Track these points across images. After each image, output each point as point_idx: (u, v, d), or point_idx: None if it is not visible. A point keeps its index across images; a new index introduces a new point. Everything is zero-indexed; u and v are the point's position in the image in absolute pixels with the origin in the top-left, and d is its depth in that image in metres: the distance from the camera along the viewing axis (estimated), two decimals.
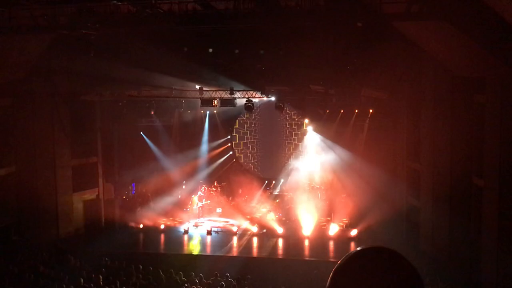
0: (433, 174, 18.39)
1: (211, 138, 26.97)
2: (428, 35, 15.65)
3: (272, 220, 22.86)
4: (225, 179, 26.48)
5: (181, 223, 23.12)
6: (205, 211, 24.32)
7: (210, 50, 17.67)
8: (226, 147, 27.61)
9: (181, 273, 16.35)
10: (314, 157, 25.79)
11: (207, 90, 21.78)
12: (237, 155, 27.57)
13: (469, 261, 16.66)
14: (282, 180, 26.18)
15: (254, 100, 22.01)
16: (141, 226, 22.64)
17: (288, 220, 23.11)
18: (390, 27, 15.22)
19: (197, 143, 26.74)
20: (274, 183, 26.13)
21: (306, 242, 21.00)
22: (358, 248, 1.79)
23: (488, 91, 15.30)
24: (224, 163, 27.43)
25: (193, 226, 22.67)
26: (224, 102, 22.18)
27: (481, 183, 15.94)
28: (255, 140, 27.24)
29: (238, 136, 27.42)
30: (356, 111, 23.30)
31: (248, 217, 23.26)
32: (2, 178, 19.69)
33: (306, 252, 20.32)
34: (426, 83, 18.68)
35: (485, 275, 15.61)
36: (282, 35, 16.42)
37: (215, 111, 25.21)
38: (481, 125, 15.77)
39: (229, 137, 27.42)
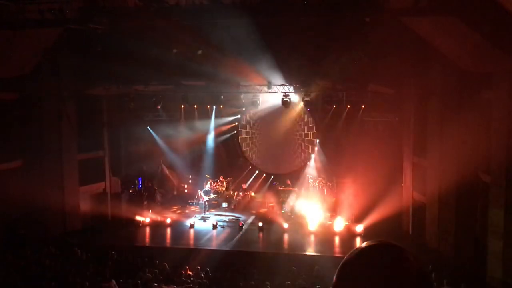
0: (439, 170, 18.35)
1: (217, 133, 26.98)
2: (435, 30, 15.58)
3: (277, 215, 22.88)
4: (231, 173, 26.50)
5: (187, 217, 23.17)
6: (211, 206, 24.38)
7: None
8: (232, 142, 27.59)
9: (187, 267, 16.41)
10: (320, 153, 25.75)
11: (214, 85, 21.77)
12: (243, 150, 27.55)
13: (475, 257, 16.63)
14: (288, 175, 26.15)
15: (259, 94, 22.05)
16: (148, 220, 22.70)
17: (294, 215, 23.12)
18: (398, 22, 15.16)
19: (203, 137, 26.76)
20: (280, 178, 26.12)
21: (312, 237, 21.02)
22: (365, 244, 1.80)
23: (495, 86, 15.23)
24: (231, 157, 27.44)
25: (199, 220, 22.73)
26: (230, 97, 22.19)
27: (488, 179, 15.90)
28: (261, 135, 27.21)
29: (244, 131, 27.41)
30: (363, 106, 23.25)
31: (254, 211, 23.32)
32: (9, 172, 19.78)
33: (312, 247, 20.33)
34: (433, 78, 18.61)
35: (491, 271, 15.59)
36: (288, 29, 16.39)
37: (221, 106, 25.19)
38: (488, 121, 15.71)
39: (235, 132, 27.41)
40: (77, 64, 20.05)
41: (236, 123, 27.27)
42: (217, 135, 27.07)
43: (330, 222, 21.95)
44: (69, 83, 20.89)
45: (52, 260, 16.97)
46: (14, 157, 20.14)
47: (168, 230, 22.01)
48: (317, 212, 22.33)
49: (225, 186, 25.65)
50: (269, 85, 21.26)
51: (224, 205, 24.63)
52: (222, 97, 22.78)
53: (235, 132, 27.46)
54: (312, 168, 25.68)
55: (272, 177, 26.38)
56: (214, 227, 21.85)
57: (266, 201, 24.16)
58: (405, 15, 14.66)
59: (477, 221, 17.05)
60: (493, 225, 15.35)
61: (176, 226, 22.34)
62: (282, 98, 21.72)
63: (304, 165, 26.24)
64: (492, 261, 15.47)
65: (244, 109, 26.29)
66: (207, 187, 24.86)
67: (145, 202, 24.36)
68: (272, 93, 21.99)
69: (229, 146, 27.50)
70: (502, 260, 14.92)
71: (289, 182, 25.39)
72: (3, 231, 19.02)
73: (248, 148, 27.48)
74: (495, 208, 15.23)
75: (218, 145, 27.20)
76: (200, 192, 24.65)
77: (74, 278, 14.80)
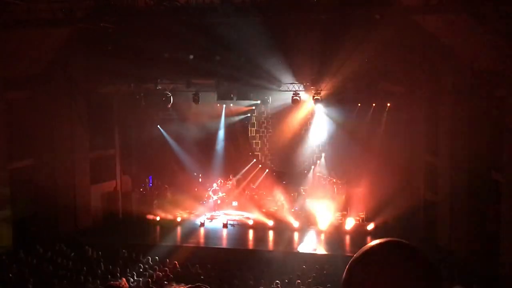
0: (451, 168, 18.23)
1: (227, 131, 26.93)
2: (447, 27, 15.47)
3: (288, 213, 22.84)
4: (241, 172, 26.46)
5: (197, 216, 23.19)
6: (221, 204, 24.38)
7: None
8: (242, 140, 27.53)
9: (197, 265, 16.44)
10: (331, 151, 25.64)
11: (224, 84, 21.76)
12: (253, 148, 27.49)
13: (487, 256, 16.50)
14: (298, 174, 26.07)
15: (270, 92, 22.07)
16: (158, 218, 22.78)
17: (304, 213, 23.05)
18: (409, 20, 15.08)
19: (213, 136, 26.77)
20: (290, 177, 26.05)
21: (322, 236, 20.98)
22: (375, 242, 1.77)
23: (508, 84, 15.09)
24: (241, 156, 27.39)
25: (208, 219, 22.74)
26: (241, 95, 22.19)
27: (499, 177, 15.77)
28: (271, 134, 27.12)
29: (254, 129, 27.34)
30: (374, 104, 23.14)
31: (264, 210, 23.29)
32: (21, 170, 19.92)
33: (322, 246, 20.29)
34: (445, 76, 18.48)
35: (503, 270, 15.46)
36: (298, 27, 16.35)
37: (231, 105, 25.24)
38: (500, 119, 15.58)
39: (245, 130, 27.27)
40: (88, 63, 20.16)
41: (246, 122, 27.22)
42: (227, 134, 27.06)
43: (341, 221, 21.88)
44: (80, 82, 21.01)
45: (63, 258, 17.08)
46: (26, 156, 20.28)
47: (179, 229, 22.06)
48: (327, 210, 22.26)
49: (235, 184, 25.63)
50: (279, 83, 21.24)
51: (234, 203, 24.63)
52: (232, 95, 22.75)
53: (245, 130, 27.42)
54: (322, 166, 25.59)
55: (283, 175, 26.31)
56: (224, 225, 21.89)
57: (276, 200, 24.12)
58: (416, 13, 14.57)
59: (489, 219, 16.92)
60: (506, 224, 15.23)
61: (187, 225, 22.39)
62: (292, 96, 21.69)
63: (314, 163, 26.15)
64: (505, 260, 15.34)
65: (254, 107, 26.26)
66: (217, 185, 24.86)
67: (156, 201, 24.41)
68: (282, 91, 21.98)
69: (239, 144, 27.47)
70: None
71: (299, 180, 25.29)
72: (15, 229, 19.16)
73: (258, 147, 27.43)
74: (507, 207, 15.11)
75: (228, 144, 27.18)
76: (210, 191, 24.67)
77: (85, 276, 14.89)
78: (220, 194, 24.58)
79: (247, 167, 26.86)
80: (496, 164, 16.13)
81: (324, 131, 25.34)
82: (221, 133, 26.92)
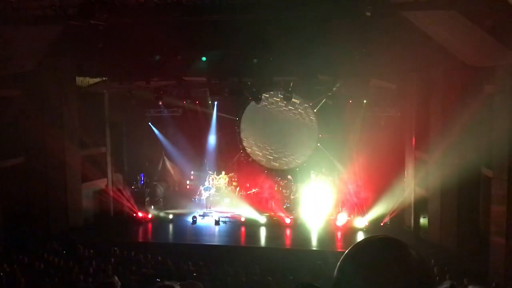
0: (441, 164, 18.32)
1: (219, 129, 26.95)
2: (437, 24, 15.53)
3: (279, 210, 22.87)
4: (233, 169, 26.49)
5: (189, 213, 23.16)
6: (213, 202, 24.36)
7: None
8: (234, 137, 27.52)
9: (189, 262, 16.42)
10: (323, 147, 25.71)
11: (216, 81, 21.73)
12: (245, 145, 27.49)
13: (477, 252, 16.62)
14: (290, 171, 26.12)
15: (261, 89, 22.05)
16: (150, 216, 22.74)
17: (296, 210, 23.10)
18: (400, 16, 15.11)
19: (205, 133, 26.77)
20: (282, 174, 26.08)
21: (314, 232, 21.02)
22: (366, 238, 1.79)
23: (498, 81, 15.19)
24: (232, 153, 27.39)
25: (200, 216, 22.72)
26: (233, 92, 22.19)
27: (490, 174, 15.88)
28: (263, 130, 27.13)
29: (246, 126, 27.32)
30: (365, 101, 23.21)
31: (256, 207, 23.30)
32: (12, 168, 19.80)
33: (314, 242, 20.34)
34: (436, 73, 18.57)
35: (493, 266, 15.58)
36: (289, 24, 16.32)
37: (223, 101, 25.25)
38: (491, 115, 15.68)
39: (237, 127, 27.27)
40: (78, 61, 20.05)
41: (238, 119, 27.21)
42: (219, 131, 27.06)
43: (333, 217, 21.94)
44: (70, 80, 20.90)
45: (55, 256, 17.01)
46: (17, 154, 20.16)
47: (171, 226, 22.05)
48: (319, 207, 22.31)
49: (227, 181, 25.62)
50: (271, 80, 21.24)
51: (227, 200, 24.61)
52: (224, 92, 22.74)
53: (237, 127, 27.41)
54: (314, 163, 25.63)
55: (275, 172, 26.34)
56: (217, 223, 21.89)
57: (267, 197, 24.14)
58: (407, 9, 14.60)
59: (480, 215, 17.04)
60: (496, 220, 15.34)
61: (179, 222, 22.38)
62: (284, 93, 21.69)
63: (306, 160, 26.20)
64: (495, 256, 15.46)
65: (246, 104, 26.25)
66: (208, 183, 24.83)
67: (147, 199, 24.38)
68: (274, 88, 22.01)
69: (231, 141, 27.46)
70: (505, 255, 14.91)
71: (290, 177, 25.33)
72: (6, 228, 19.06)
73: (250, 144, 27.43)
74: (497, 203, 15.22)
75: (220, 141, 27.18)
76: (202, 188, 24.65)
77: (77, 275, 14.84)
78: (212, 191, 24.54)
79: (239, 164, 26.89)
80: (486, 160, 16.24)
81: (316, 128, 25.38)
82: (213, 130, 26.93)
